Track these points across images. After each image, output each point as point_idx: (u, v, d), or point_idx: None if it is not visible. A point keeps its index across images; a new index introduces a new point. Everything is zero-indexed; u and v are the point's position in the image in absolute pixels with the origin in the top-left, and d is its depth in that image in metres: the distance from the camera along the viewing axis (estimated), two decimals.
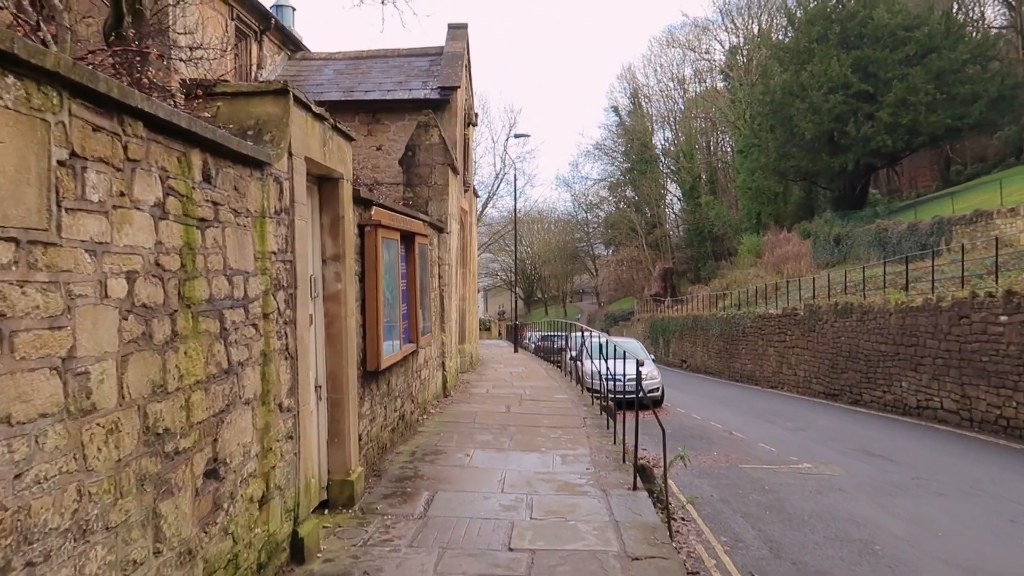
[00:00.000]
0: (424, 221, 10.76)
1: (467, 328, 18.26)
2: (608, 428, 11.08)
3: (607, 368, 16.90)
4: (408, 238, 9.70)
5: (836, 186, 44.62)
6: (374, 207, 7.86)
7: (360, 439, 7.75)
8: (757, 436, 15.95)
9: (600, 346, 19.23)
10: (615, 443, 10.09)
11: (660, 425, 8.00)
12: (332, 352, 7.11)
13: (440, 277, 13.14)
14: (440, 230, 13.17)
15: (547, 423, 11.29)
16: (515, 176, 30.39)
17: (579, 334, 25.86)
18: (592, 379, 18.28)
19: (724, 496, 10.73)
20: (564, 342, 31.46)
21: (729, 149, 62.56)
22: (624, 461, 9.10)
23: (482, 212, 44.19)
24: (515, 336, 30.69)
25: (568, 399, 13.84)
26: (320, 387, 7.02)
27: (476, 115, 17.14)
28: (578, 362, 21.06)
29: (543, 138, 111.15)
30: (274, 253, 5.23)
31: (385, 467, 8.42)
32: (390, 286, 8.48)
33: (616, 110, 66.07)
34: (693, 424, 17.82)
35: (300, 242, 5.81)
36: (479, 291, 74.84)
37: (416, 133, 13.28)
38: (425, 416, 11.20)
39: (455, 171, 14.10)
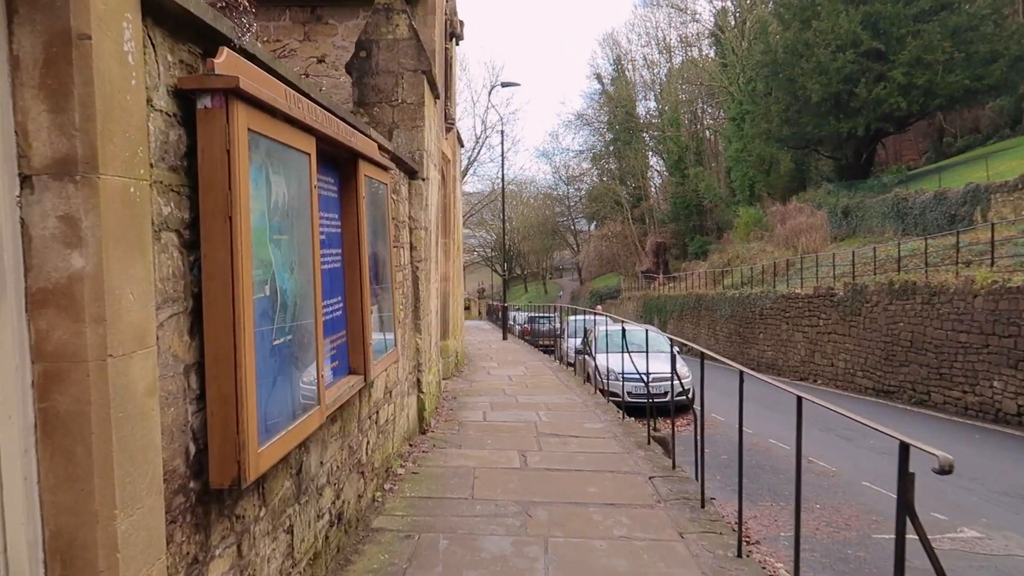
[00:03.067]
0: (379, 144, 5.68)
1: (451, 318, 13.25)
2: (700, 502, 6.20)
3: (631, 367, 12.29)
4: (346, 166, 4.65)
5: (842, 154, 40.00)
6: (224, 50, 2.79)
7: None
8: (848, 468, 11.24)
9: (610, 336, 14.41)
10: (740, 553, 5.20)
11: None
12: (56, 474, 2.12)
13: (413, 248, 8.10)
14: (412, 174, 8.11)
15: (596, 493, 6.36)
16: (502, 131, 25.30)
17: (577, 318, 21.04)
18: (608, 380, 13.48)
19: None
20: (556, 324, 26.69)
21: (712, 120, 57.82)
22: None
23: (462, 179, 38.83)
24: (504, 321, 25.70)
25: (605, 428, 8.92)
26: None
27: (461, 24, 12.05)
28: (587, 357, 16.21)
29: (527, 98, 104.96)
30: None
31: None
32: (291, 259, 3.45)
33: (599, 78, 60.81)
34: (746, 441, 13.08)
35: None
36: None
37: (373, 24, 8.14)
38: (388, 488, 6.20)
39: (434, 89, 9.00)
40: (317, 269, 3.69)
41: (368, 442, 5.53)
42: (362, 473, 5.36)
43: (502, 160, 23.97)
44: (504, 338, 24.23)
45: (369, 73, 8.15)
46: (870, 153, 40.51)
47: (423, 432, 8.26)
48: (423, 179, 8.29)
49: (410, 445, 7.56)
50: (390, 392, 6.40)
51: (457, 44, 13.54)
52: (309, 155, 3.60)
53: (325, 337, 4.24)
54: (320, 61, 9.80)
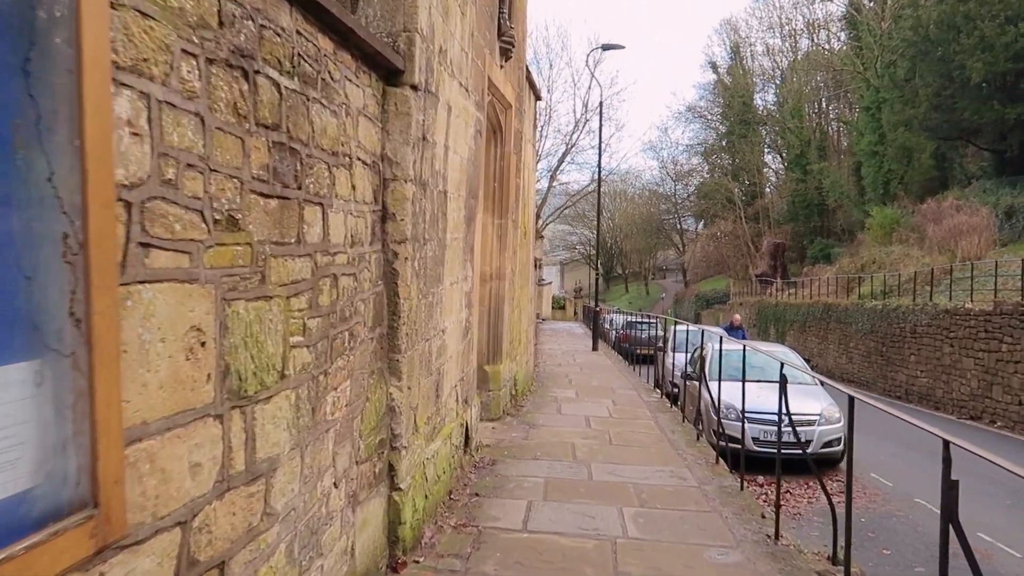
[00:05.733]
0: None
1: (509, 332, 9.15)
2: None
3: (762, 404, 8.23)
4: None
5: (1006, 144, 33.14)
6: None
7: None
8: None
9: (728, 358, 10.01)
10: None
11: None
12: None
13: (388, 216, 4.09)
14: (388, 74, 4.07)
15: None
16: (601, 104, 20.81)
17: (680, 328, 16.33)
18: (726, 419, 9.12)
19: None
20: (655, 331, 22.22)
21: (836, 114, 51.05)
22: None
23: (559, 167, 34.42)
24: (595, 328, 21.40)
25: (746, 564, 4.61)
26: None
27: None
28: (698, 385, 11.79)
29: (633, 77, 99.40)
30: None
31: None
32: None
33: (714, 67, 54.95)
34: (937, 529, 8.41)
35: None
36: (551, 265, 64.83)
37: None
38: None
39: None
40: None
41: None
42: None
43: (599, 138, 19.57)
44: (594, 348, 19.95)
45: None
46: None
47: (395, 569, 4.21)
48: (414, 88, 4.24)
49: None
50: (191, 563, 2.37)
51: None
52: None
53: None
54: None
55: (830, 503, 5.05)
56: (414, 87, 4.23)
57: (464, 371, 6.32)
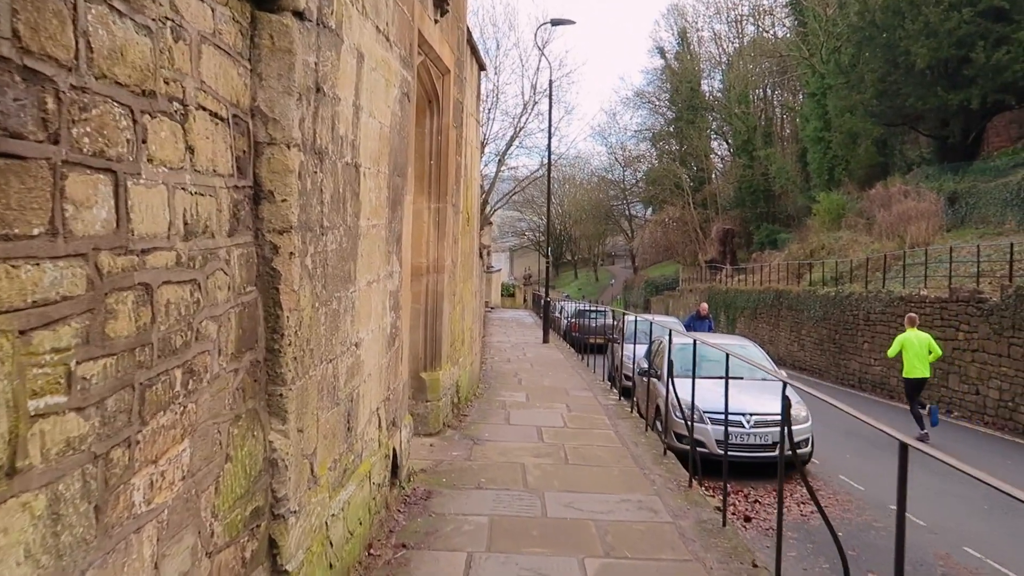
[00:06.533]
0: None
1: (450, 333, 7.94)
2: None
3: (724, 403, 7.16)
4: None
5: (948, 131, 33.18)
6: None
7: None
8: None
9: (686, 352, 9.02)
10: None
11: None
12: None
13: (263, 194, 2.87)
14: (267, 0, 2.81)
15: None
16: (551, 81, 19.64)
17: (643, 319, 15.24)
18: (691, 420, 8.07)
19: None
20: (606, 320, 21.42)
21: (779, 101, 51.07)
22: None
23: (507, 151, 33.22)
24: (546, 319, 20.32)
25: None
26: None
27: None
28: (659, 383, 10.82)
29: (583, 58, 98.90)
30: None
31: None
32: None
33: (662, 52, 54.23)
34: (919, 542, 7.57)
35: None
36: (500, 252, 63.57)
37: None
38: None
39: None
40: None
41: None
42: None
43: (549, 120, 18.52)
44: (545, 340, 18.89)
45: None
46: (980, 131, 33.59)
47: None
48: (299, 15, 3.01)
49: None
50: None
51: None
52: None
53: None
54: None
55: (838, 545, 4.05)
56: (298, 14, 3.00)
57: (391, 387, 5.13)
